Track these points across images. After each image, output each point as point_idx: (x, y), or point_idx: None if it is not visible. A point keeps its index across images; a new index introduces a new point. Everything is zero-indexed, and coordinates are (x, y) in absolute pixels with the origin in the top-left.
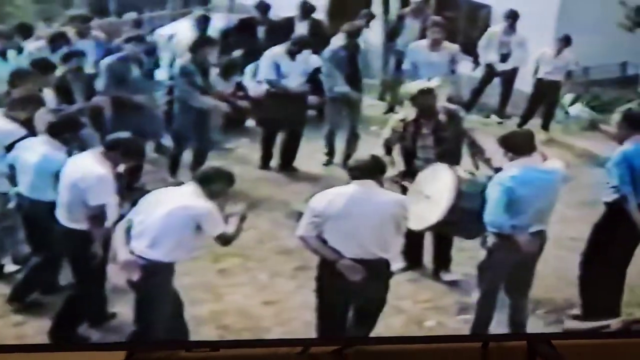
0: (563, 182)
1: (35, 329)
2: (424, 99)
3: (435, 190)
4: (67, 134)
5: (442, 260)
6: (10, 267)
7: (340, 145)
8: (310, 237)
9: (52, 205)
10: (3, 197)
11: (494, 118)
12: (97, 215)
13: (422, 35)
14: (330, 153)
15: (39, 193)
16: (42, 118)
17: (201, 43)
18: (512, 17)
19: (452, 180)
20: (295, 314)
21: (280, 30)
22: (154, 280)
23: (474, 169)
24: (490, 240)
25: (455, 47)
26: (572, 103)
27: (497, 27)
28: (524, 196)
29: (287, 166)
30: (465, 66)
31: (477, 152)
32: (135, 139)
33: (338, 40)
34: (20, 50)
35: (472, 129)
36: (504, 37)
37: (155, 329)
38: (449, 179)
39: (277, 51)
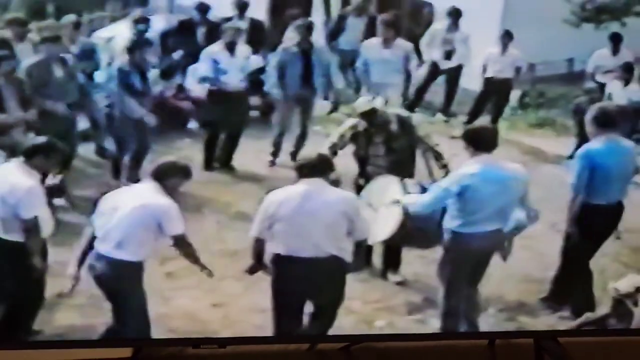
0: (523, 185)
1: None
2: (369, 118)
3: (384, 207)
4: None
5: (392, 261)
6: None
7: (285, 145)
8: (260, 241)
9: None
10: None
11: (440, 116)
12: (32, 227)
13: (369, 34)
14: (276, 154)
15: None
16: None
17: (138, 44)
18: (455, 14)
19: (399, 214)
20: (244, 316)
21: (220, 31)
22: (124, 280)
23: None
24: (446, 236)
25: (408, 45)
26: (520, 100)
27: (440, 24)
28: (484, 194)
29: (225, 165)
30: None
31: (435, 157)
32: (53, 141)
33: (290, 39)
34: None
35: (428, 134)
36: (447, 34)
37: (130, 327)
38: (398, 195)
39: (215, 48)
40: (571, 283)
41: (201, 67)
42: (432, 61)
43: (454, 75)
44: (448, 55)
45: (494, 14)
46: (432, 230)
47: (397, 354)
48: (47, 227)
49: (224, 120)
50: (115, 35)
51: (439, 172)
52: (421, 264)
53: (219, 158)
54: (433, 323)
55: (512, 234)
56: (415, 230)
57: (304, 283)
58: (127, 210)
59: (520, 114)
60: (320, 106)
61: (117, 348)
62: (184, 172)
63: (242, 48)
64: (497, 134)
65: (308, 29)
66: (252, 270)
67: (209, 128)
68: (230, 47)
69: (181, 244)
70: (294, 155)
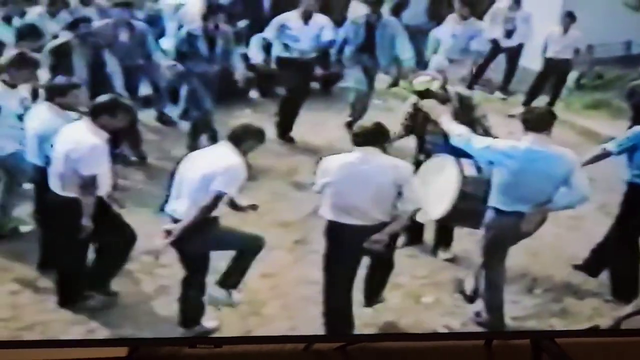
0: (569, 168)
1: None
2: (423, 98)
3: (438, 185)
4: (60, 98)
5: (444, 239)
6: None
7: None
8: None
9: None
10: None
11: (498, 94)
12: (89, 184)
13: (434, 11)
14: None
15: (41, 159)
16: None
17: (213, 10)
18: None
19: (456, 178)
20: (292, 287)
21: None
22: (201, 237)
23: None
24: (489, 215)
25: (479, 24)
26: (577, 81)
27: (502, 2)
28: (527, 172)
29: (283, 135)
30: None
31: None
32: (117, 98)
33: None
34: (23, 16)
35: (485, 116)
36: (509, 13)
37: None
38: (453, 176)
39: (290, 15)
40: (611, 259)
41: (267, 33)
42: (493, 39)
43: (514, 53)
44: (509, 33)
45: None
46: (482, 211)
47: (393, 354)
48: (104, 187)
49: (290, 88)
50: (186, 2)
51: None
52: (470, 241)
53: (277, 128)
54: (479, 301)
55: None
56: (467, 210)
57: (354, 250)
58: (203, 171)
59: (577, 95)
60: (382, 80)
61: (113, 347)
62: (259, 135)
63: (319, 18)
64: (549, 116)
65: (377, 1)
66: None
67: (286, 95)
68: (306, 16)
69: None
70: (349, 125)
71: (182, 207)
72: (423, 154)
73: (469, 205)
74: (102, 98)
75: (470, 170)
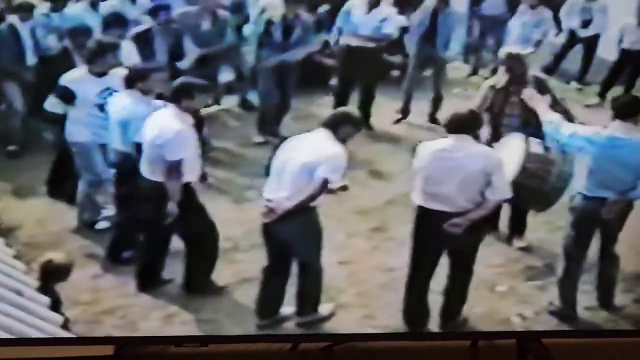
0: None
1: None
2: (512, 63)
3: (505, 159)
4: (140, 84)
5: (517, 226)
6: (101, 224)
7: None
8: None
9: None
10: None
11: (574, 84)
12: (174, 170)
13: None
14: (403, 111)
15: (126, 146)
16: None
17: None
18: None
19: (522, 153)
20: (369, 274)
21: None
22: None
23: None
24: (576, 200)
25: (548, 13)
26: None
27: None
28: (611, 159)
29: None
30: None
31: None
32: (190, 79)
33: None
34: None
35: (564, 98)
36: (586, 3)
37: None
38: (519, 150)
39: (357, 2)
40: None
41: (338, 18)
42: (570, 29)
43: (590, 44)
44: (586, 24)
45: None
46: (547, 192)
47: (379, 354)
48: (193, 173)
49: (350, 76)
50: None
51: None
52: (546, 230)
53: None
54: (552, 290)
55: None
56: (530, 187)
57: (438, 237)
58: (303, 159)
59: None
60: (461, 69)
61: (100, 346)
62: (356, 122)
63: (385, 9)
64: (636, 104)
65: None
66: None
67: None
68: (371, 4)
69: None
70: (431, 116)
71: (283, 193)
72: (496, 140)
73: (531, 183)
74: (176, 82)
75: (536, 148)
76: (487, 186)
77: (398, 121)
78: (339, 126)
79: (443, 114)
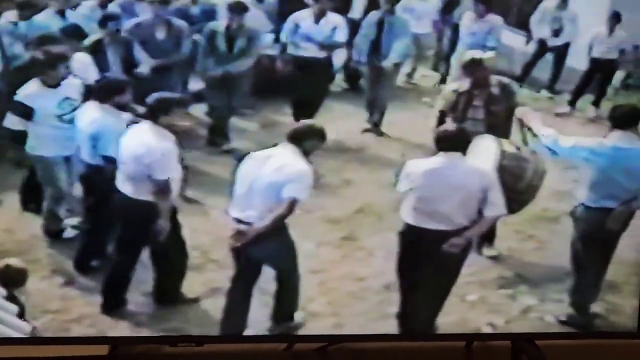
0: None
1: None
2: (473, 69)
3: (479, 160)
4: (113, 98)
5: (487, 234)
6: (68, 233)
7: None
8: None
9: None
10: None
11: (545, 93)
12: (164, 188)
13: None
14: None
15: (95, 159)
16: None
17: (235, 7)
18: None
19: (494, 153)
20: (340, 283)
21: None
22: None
23: (521, 143)
24: (579, 210)
25: (497, 19)
26: (623, 81)
27: (550, 2)
28: (615, 168)
29: None
30: (517, 40)
31: (526, 126)
32: (166, 95)
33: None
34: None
35: (525, 102)
36: (556, 12)
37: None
38: (491, 152)
39: (304, 14)
40: None
41: (285, 30)
42: (540, 39)
43: (561, 53)
44: (556, 33)
45: None
46: (522, 190)
47: (373, 355)
48: (176, 187)
49: (296, 87)
50: None
51: (533, 140)
52: (517, 239)
53: None
54: (523, 299)
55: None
56: (508, 188)
57: (430, 255)
58: (269, 175)
59: (623, 95)
60: (431, 77)
61: (94, 345)
62: (320, 134)
63: (333, 18)
64: (635, 113)
65: None
66: None
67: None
68: (318, 15)
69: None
70: (374, 125)
71: (252, 212)
72: None
73: (508, 181)
74: (152, 99)
75: (509, 147)
76: (484, 203)
77: (367, 130)
78: (304, 140)
79: (414, 125)
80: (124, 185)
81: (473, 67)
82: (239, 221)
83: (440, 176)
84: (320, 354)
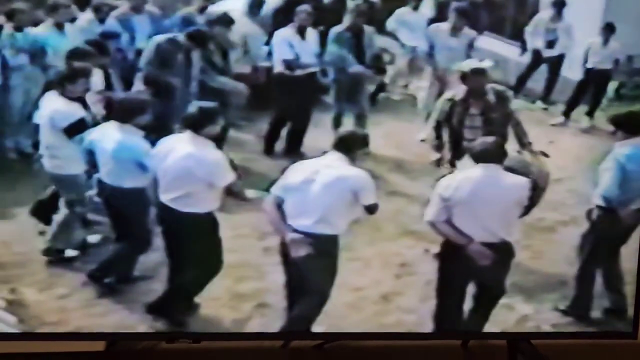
0: None
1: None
2: (475, 79)
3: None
4: (134, 118)
5: None
6: (70, 252)
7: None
8: (440, 223)
9: (133, 192)
10: (74, 183)
11: (539, 104)
12: (237, 189)
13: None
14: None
15: (119, 180)
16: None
17: (219, 21)
18: (559, 4)
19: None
20: (335, 293)
21: (329, 12)
22: (324, 254)
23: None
24: (595, 213)
25: (473, 33)
26: (617, 91)
27: (544, 13)
28: (633, 172)
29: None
30: (512, 51)
31: (520, 134)
32: (203, 104)
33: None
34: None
35: (517, 110)
36: (550, 23)
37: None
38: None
39: (288, 32)
40: None
41: (277, 50)
42: (535, 49)
43: (555, 64)
44: (550, 44)
45: (597, 5)
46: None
47: (370, 353)
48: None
49: (292, 105)
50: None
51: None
52: None
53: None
54: (520, 309)
55: None
56: None
57: (471, 268)
58: (323, 184)
59: (617, 105)
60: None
61: (91, 341)
62: (364, 140)
63: (311, 32)
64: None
65: (363, 12)
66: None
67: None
68: (301, 31)
69: (372, 208)
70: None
71: (307, 220)
72: (458, 152)
73: None
74: (193, 109)
75: (512, 150)
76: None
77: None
78: (349, 147)
79: (410, 136)
80: (174, 201)
81: (474, 78)
82: (294, 230)
83: (478, 189)
84: (318, 352)
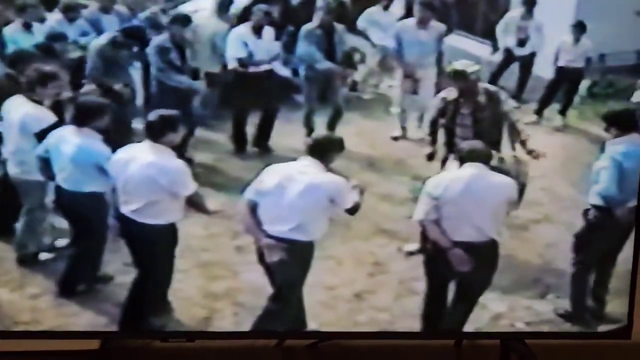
0: None
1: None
2: (463, 80)
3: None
4: (93, 122)
5: None
6: (44, 255)
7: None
8: (429, 222)
9: (93, 196)
10: (40, 188)
11: (512, 102)
12: (198, 199)
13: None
14: (310, 134)
15: (78, 185)
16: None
17: (176, 20)
18: (530, 2)
19: None
20: (308, 291)
21: (298, 12)
22: (298, 260)
23: (503, 154)
24: (592, 213)
25: (442, 26)
26: (589, 89)
27: (515, 12)
28: (630, 170)
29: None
30: (484, 50)
31: (514, 133)
32: (164, 111)
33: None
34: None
35: (512, 110)
36: (521, 22)
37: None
38: None
39: (243, 30)
40: None
41: (230, 48)
42: (506, 48)
43: (527, 62)
44: (522, 42)
45: (568, 4)
46: (520, 189)
47: (364, 352)
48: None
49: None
50: (198, 9)
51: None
52: None
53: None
54: (493, 307)
55: None
56: None
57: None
58: (298, 191)
59: (589, 104)
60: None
61: (85, 340)
62: (339, 145)
63: (269, 30)
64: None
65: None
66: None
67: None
68: (258, 30)
69: (353, 210)
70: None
71: (284, 226)
72: (452, 149)
73: None
74: (153, 116)
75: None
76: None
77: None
78: (324, 152)
79: (382, 135)
80: (136, 211)
81: (456, 79)
82: (269, 236)
83: (467, 188)
84: (311, 351)
